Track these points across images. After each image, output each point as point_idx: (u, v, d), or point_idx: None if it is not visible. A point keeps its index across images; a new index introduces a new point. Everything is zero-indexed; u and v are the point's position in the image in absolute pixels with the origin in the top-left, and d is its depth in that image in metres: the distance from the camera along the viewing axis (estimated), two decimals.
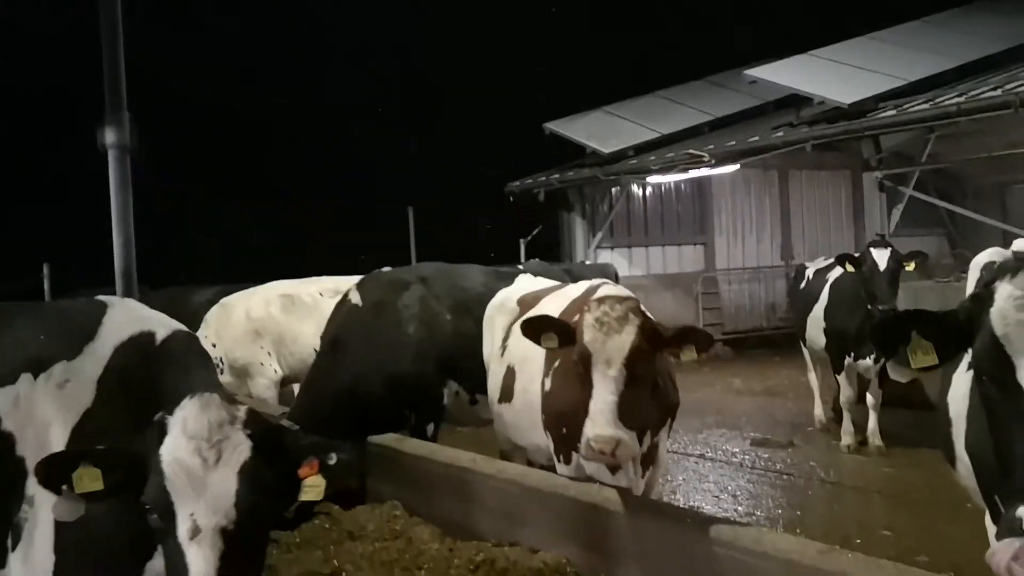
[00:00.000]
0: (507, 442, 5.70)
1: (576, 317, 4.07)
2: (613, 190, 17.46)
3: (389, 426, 6.54)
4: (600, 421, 3.62)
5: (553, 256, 16.79)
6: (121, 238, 7.80)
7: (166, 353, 3.01)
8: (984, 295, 2.59)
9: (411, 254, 18.44)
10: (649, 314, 4.09)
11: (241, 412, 2.46)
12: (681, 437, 9.81)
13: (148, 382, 2.88)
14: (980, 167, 16.74)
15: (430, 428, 6.84)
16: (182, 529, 2.28)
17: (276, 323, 9.35)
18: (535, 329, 4.13)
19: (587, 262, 16.10)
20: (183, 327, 3.21)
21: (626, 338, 3.74)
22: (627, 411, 3.68)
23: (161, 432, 2.40)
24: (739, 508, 7.06)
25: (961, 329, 2.65)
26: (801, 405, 10.80)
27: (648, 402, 3.87)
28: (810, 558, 3.36)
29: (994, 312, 2.51)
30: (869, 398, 8.72)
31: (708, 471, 8.36)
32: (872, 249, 8.14)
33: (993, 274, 2.64)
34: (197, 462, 2.32)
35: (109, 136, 7.86)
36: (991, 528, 3.08)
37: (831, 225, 19.25)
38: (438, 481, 5.53)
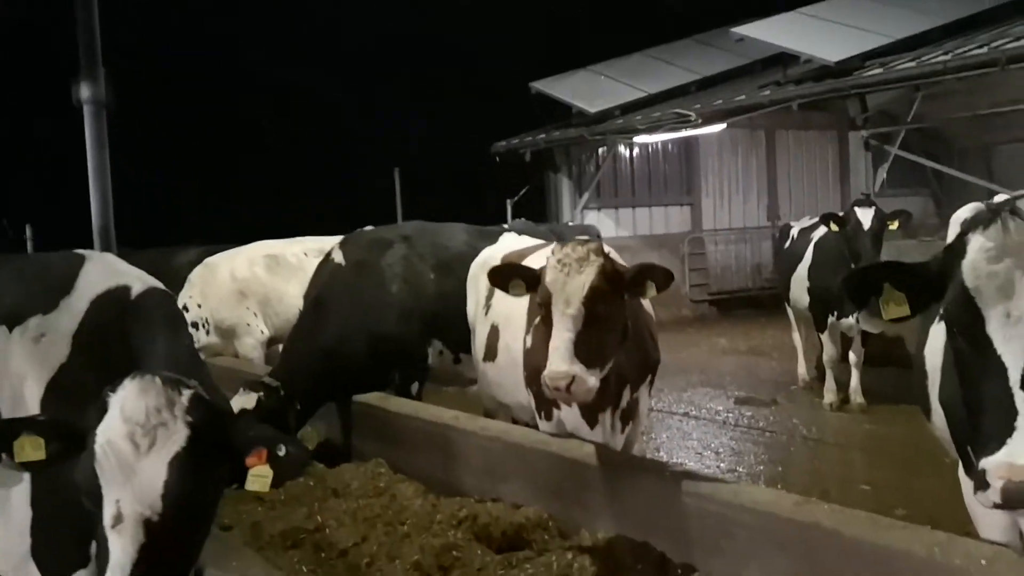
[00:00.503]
0: (491, 400, 5.72)
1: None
2: (600, 150, 17.38)
3: (373, 385, 6.57)
4: (555, 357, 3.63)
5: (540, 217, 16.76)
6: (98, 195, 7.72)
7: (139, 310, 2.96)
8: (957, 247, 2.59)
9: (397, 215, 18.37)
10: (617, 258, 4.09)
11: (184, 397, 2.34)
12: (665, 396, 9.88)
13: (121, 338, 2.84)
14: (966, 127, 16.74)
15: (414, 387, 6.86)
16: (106, 515, 2.19)
17: (261, 283, 9.32)
18: (502, 277, 4.14)
19: (571, 223, 16.09)
20: (159, 284, 3.17)
21: (585, 278, 3.76)
22: (586, 350, 3.68)
23: (102, 408, 2.30)
24: (721, 465, 7.14)
25: (933, 281, 2.66)
26: (785, 364, 10.87)
27: (610, 342, 3.87)
28: (786, 510, 3.40)
29: (966, 264, 2.52)
30: (852, 356, 8.78)
31: (692, 429, 8.43)
32: (856, 208, 8.14)
33: (966, 226, 2.64)
34: (128, 447, 2.21)
35: (84, 92, 7.73)
36: (964, 480, 3.12)
37: (818, 185, 19.24)
38: (422, 438, 5.57)
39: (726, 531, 3.59)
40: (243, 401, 6.08)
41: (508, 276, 4.13)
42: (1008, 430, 2.33)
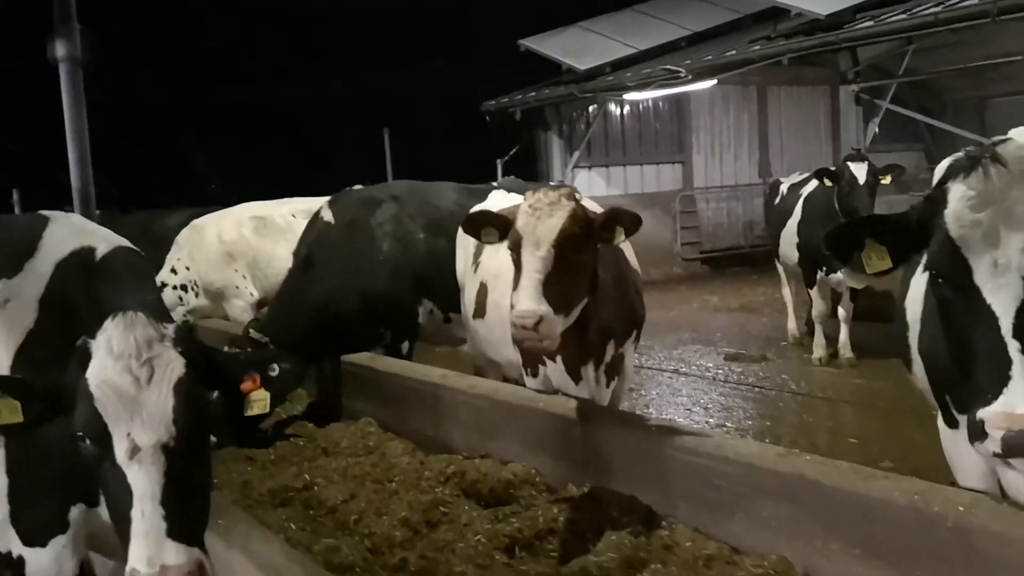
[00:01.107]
0: (482, 358, 5.73)
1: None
2: (590, 108, 17.25)
3: (364, 344, 6.57)
4: (523, 297, 3.62)
5: (531, 176, 16.67)
6: (76, 154, 7.59)
7: (106, 270, 2.92)
8: (937, 196, 2.57)
9: (387, 176, 18.26)
10: (593, 207, 4.09)
11: (170, 330, 2.38)
12: (656, 353, 9.92)
13: (89, 300, 2.80)
14: (959, 81, 16.63)
15: (405, 346, 6.87)
16: (120, 450, 2.20)
17: (249, 245, 9.27)
18: (475, 225, 4.12)
19: (555, 181, 16.00)
20: (125, 242, 3.13)
21: (556, 221, 3.75)
22: (554, 293, 3.66)
23: (84, 357, 2.30)
24: (710, 420, 7.18)
25: (915, 232, 2.64)
26: (776, 320, 10.90)
27: (579, 288, 3.86)
28: (769, 461, 3.43)
29: (948, 214, 2.49)
30: (841, 312, 8.81)
31: (681, 385, 8.47)
32: (850, 163, 8.09)
33: (946, 174, 2.62)
34: (128, 380, 2.23)
35: (59, 49, 7.56)
36: (943, 428, 3.14)
37: (810, 141, 19.12)
38: (411, 397, 5.59)
39: (710, 483, 3.62)
40: None
41: (481, 224, 4.11)
42: (1003, 379, 2.33)
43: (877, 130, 13.36)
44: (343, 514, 4.22)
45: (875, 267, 2.74)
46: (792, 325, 10.06)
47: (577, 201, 3.99)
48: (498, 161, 17.51)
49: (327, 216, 6.97)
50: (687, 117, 18.12)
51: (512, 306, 3.76)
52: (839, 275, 8.41)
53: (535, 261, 3.73)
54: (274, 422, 6.29)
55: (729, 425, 6.99)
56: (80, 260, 2.97)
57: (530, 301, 3.63)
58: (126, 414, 2.21)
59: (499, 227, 4.12)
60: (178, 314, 9.00)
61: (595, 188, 16.56)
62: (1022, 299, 2.38)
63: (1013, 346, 2.35)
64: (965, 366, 2.50)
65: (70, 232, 3.10)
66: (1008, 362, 2.34)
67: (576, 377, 4.46)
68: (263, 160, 22.80)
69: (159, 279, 9.02)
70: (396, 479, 4.57)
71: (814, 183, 8.63)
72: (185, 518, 2.18)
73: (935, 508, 2.86)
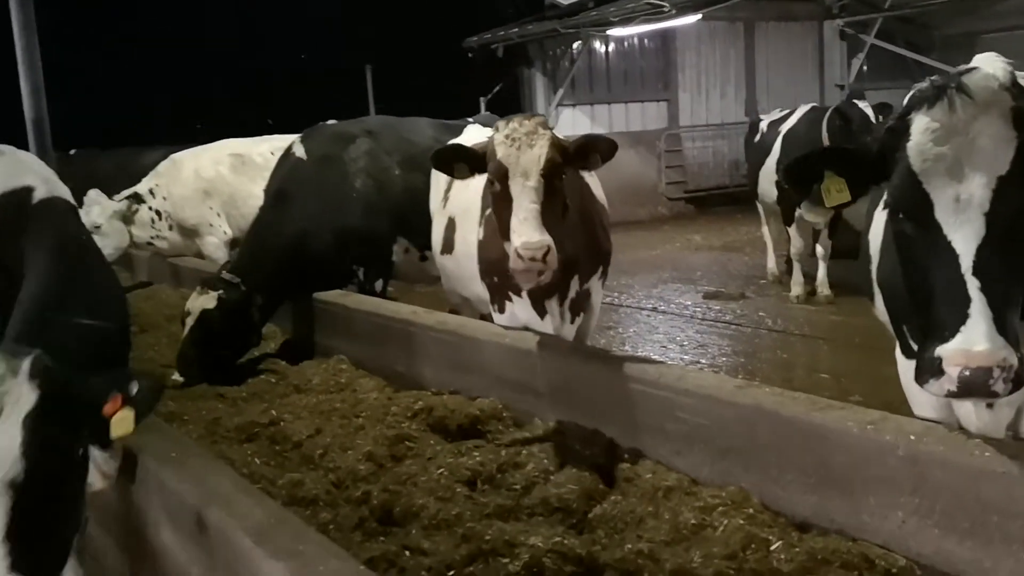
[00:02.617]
0: (453, 294, 5.70)
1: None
2: (574, 45, 16.98)
3: (337, 282, 6.53)
4: (526, 229, 3.59)
5: (515, 113, 16.43)
6: (29, 86, 7.40)
7: (37, 218, 2.88)
8: (899, 127, 2.50)
9: (370, 114, 18.00)
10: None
11: (26, 364, 2.33)
12: (636, 292, 9.93)
13: (13, 239, 2.76)
14: (949, 15, 16.38)
15: (379, 284, 6.82)
16: None
17: (226, 183, 9.16)
18: (445, 160, 4.06)
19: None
20: (66, 192, 3.07)
21: (539, 150, 3.72)
22: (548, 222, 3.65)
23: None
24: (685, 357, 7.21)
25: (875, 163, 2.59)
26: (757, 259, 10.91)
27: (560, 216, 3.84)
28: (728, 393, 3.43)
29: (911, 147, 2.43)
30: (819, 249, 8.81)
31: (659, 323, 8.50)
32: (857, 102, 8.05)
33: (909, 104, 2.56)
34: None
35: None
36: (901, 360, 3.14)
37: (797, 78, 18.85)
38: (382, 334, 5.57)
39: (671, 415, 3.62)
40: (203, 301, 6.02)
41: (451, 158, 4.05)
42: (962, 317, 2.29)
43: (865, 67, 13.20)
44: (308, 449, 4.22)
45: (834, 199, 2.69)
46: (771, 263, 10.07)
47: (551, 128, 3.95)
48: (481, 99, 17.27)
49: (299, 152, 6.86)
50: (672, 54, 17.88)
51: (511, 240, 3.70)
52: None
53: (529, 192, 3.70)
54: (247, 359, 6.27)
55: (703, 362, 7.03)
56: (16, 200, 2.92)
57: (535, 232, 3.60)
58: None
59: (470, 161, 4.06)
60: (148, 235, 8.91)
61: (579, 126, 16.39)
62: (983, 236, 2.33)
63: (972, 284, 2.30)
64: (923, 302, 2.47)
65: (11, 169, 3.04)
66: (967, 300, 2.29)
67: (541, 312, 4.45)
68: (244, 99, 22.45)
69: (136, 191, 8.92)
70: (363, 415, 4.56)
71: (794, 119, 8.57)
72: (33, 556, 2.17)
73: (887, 437, 2.86)
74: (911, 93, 2.65)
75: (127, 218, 8.64)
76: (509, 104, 17.01)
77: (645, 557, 2.91)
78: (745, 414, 3.32)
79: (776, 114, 9.58)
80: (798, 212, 8.55)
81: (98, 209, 8.39)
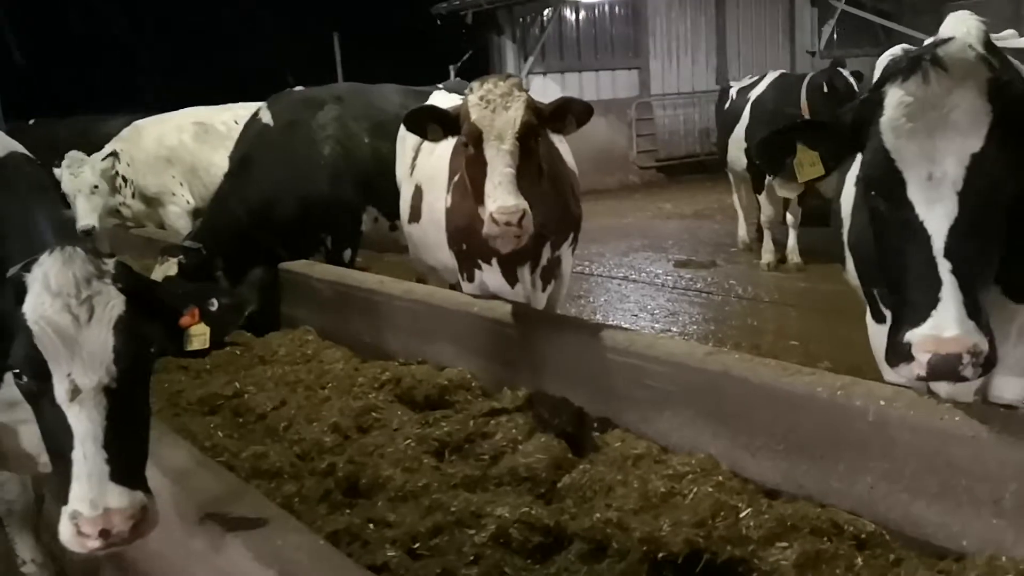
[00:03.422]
0: (421, 263, 5.62)
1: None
2: (544, 12, 16.78)
3: (303, 251, 6.42)
4: (501, 193, 3.51)
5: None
6: None
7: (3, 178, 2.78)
8: (874, 100, 2.43)
9: (338, 81, 17.70)
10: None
11: (109, 265, 2.32)
12: (607, 260, 9.89)
13: None
14: None
15: (347, 254, 6.71)
16: (60, 391, 2.14)
17: (189, 152, 8.97)
18: (418, 122, 3.95)
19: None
20: (21, 148, 2.96)
21: (515, 112, 3.64)
22: (523, 185, 3.58)
23: (18, 289, 2.22)
24: (656, 325, 7.18)
25: (848, 136, 2.52)
26: (728, 227, 10.90)
27: (535, 180, 3.77)
28: (697, 360, 3.40)
29: (884, 122, 2.36)
30: (789, 217, 8.81)
31: (630, 292, 8.46)
32: (841, 70, 8.03)
33: (883, 76, 2.48)
34: (67, 320, 2.17)
35: None
36: (871, 324, 3.11)
37: (768, 45, 18.83)
38: (348, 304, 5.49)
39: (640, 382, 3.59)
40: (164, 269, 5.91)
41: (424, 120, 3.94)
42: (932, 301, 2.25)
43: (835, 35, 13.15)
44: (273, 421, 4.14)
45: (807, 174, 2.62)
46: (742, 231, 10.06)
47: (526, 90, 3.86)
48: (451, 67, 17.03)
49: (265, 118, 6.72)
50: (643, 21, 17.73)
51: (485, 205, 3.61)
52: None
53: (504, 155, 3.62)
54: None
55: (674, 330, 7.01)
56: None
57: (510, 196, 3.52)
58: (66, 354, 2.15)
59: (443, 123, 3.97)
60: (116, 200, 8.72)
61: (550, 94, 15.88)
62: (955, 216, 2.28)
63: (944, 266, 2.26)
64: (895, 282, 2.43)
65: None
66: (938, 283, 2.25)
67: (512, 280, 4.39)
68: (208, 65, 21.96)
69: (113, 149, 8.72)
70: (329, 386, 4.49)
71: (762, 87, 8.52)
72: (127, 461, 2.16)
73: (856, 402, 2.84)
74: (886, 62, 2.59)
75: (111, 177, 8.45)
76: (479, 72, 16.73)
77: (614, 526, 2.88)
78: (714, 381, 3.29)
79: (746, 81, 9.52)
80: (768, 180, 8.52)
81: (90, 169, 8.18)
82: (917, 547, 2.69)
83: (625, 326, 6.99)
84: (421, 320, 4.87)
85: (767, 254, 8.92)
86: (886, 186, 2.38)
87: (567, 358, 3.95)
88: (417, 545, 2.82)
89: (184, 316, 2.43)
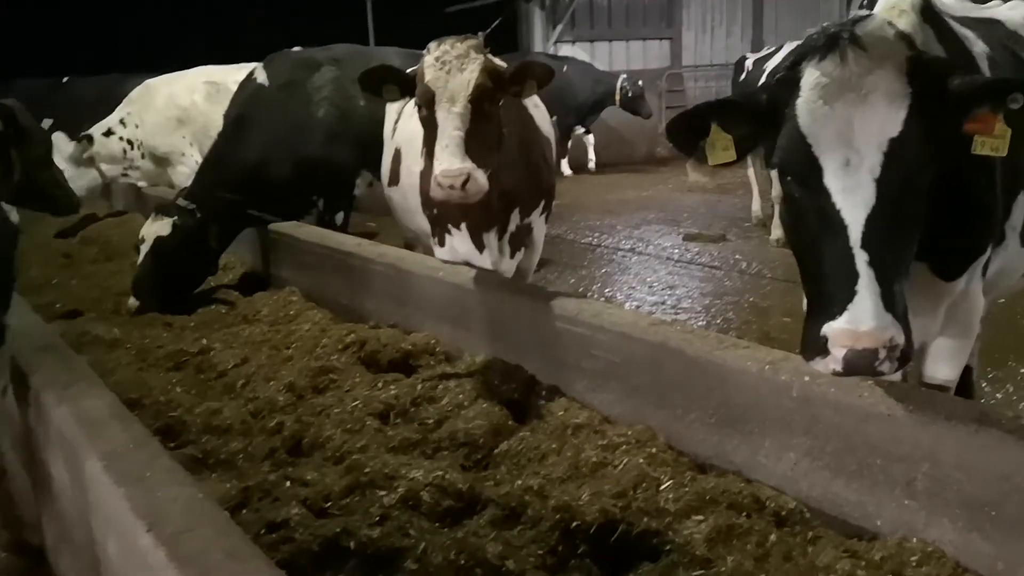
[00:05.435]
0: (405, 228, 5.60)
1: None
2: None
3: (295, 213, 6.42)
4: (446, 156, 3.47)
5: (511, 50, 16.11)
6: None
7: None
8: (790, 80, 2.32)
9: (370, 44, 17.65)
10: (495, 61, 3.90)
11: None
12: (617, 232, 9.81)
13: None
14: None
15: (339, 217, 6.70)
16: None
17: (200, 112, 8.99)
18: (374, 82, 3.89)
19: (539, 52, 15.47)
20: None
21: (469, 75, 3.57)
22: (474, 149, 3.52)
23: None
24: (651, 298, 7.09)
25: (764, 118, 2.39)
26: (747, 201, 10.69)
27: (492, 144, 3.71)
28: (639, 330, 3.34)
29: (800, 104, 2.26)
30: None
31: (633, 264, 8.38)
32: None
33: (799, 53, 2.37)
34: None
35: None
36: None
37: (807, 15, 18.34)
38: (328, 266, 5.50)
39: (588, 352, 3.55)
40: (157, 227, 5.96)
41: (380, 80, 3.87)
42: (849, 293, 2.18)
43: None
44: (232, 378, 4.17)
45: (719, 158, 2.47)
46: (756, 206, 9.90)
47: (485, 52, 3.79)
48: (480, 34, 16.83)
49: (260, 77, 6.70)
50: None
51: (432, 168, 3.58)
52: None
53: (453, 118, 3.56)
54: (205, 289, 6.22)
55: (667, 303, 6.92)
56: None
57: (454, 159, 3.47)
58: None
59: (400, 83, 3.92)
60: (119, 168, 8.84)
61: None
62: (873, 205, 2.19)
63: (861, 257, 2.18)
64: (811, 271, 2.35)
65: None
66: (855, 275, 2.18)
67: (480, 245, 4.35)
68: (237, 26, 21.99)
69: (106, 125, 8.83)
70: (294, 346, 4.51)
71: (779, 58, 8.27)
72: None
73: (783, 377, 2.78)
74: (805, 38, 2.46)
75: (80, 160, 8.58)
76: (507, 39, 16.65)
77: (533, 493, 2.86)
78: (653, 352, 3.24)
79: (763, 52, 9.30)
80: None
81: (68, 149, 8.35)
82: (836, 526, 2.63)
83: (620, 299, 6.94)
84: (392, 284, 4.87)
85: (776, 230, 8.76)
86: (802, 172, 2.29)
87: (522, 326, 3.92)
88: (328, 504, 2.82)
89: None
